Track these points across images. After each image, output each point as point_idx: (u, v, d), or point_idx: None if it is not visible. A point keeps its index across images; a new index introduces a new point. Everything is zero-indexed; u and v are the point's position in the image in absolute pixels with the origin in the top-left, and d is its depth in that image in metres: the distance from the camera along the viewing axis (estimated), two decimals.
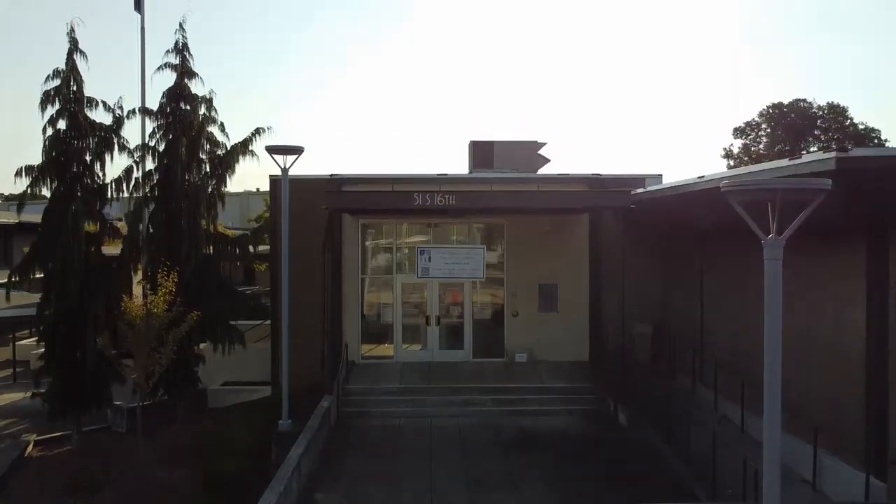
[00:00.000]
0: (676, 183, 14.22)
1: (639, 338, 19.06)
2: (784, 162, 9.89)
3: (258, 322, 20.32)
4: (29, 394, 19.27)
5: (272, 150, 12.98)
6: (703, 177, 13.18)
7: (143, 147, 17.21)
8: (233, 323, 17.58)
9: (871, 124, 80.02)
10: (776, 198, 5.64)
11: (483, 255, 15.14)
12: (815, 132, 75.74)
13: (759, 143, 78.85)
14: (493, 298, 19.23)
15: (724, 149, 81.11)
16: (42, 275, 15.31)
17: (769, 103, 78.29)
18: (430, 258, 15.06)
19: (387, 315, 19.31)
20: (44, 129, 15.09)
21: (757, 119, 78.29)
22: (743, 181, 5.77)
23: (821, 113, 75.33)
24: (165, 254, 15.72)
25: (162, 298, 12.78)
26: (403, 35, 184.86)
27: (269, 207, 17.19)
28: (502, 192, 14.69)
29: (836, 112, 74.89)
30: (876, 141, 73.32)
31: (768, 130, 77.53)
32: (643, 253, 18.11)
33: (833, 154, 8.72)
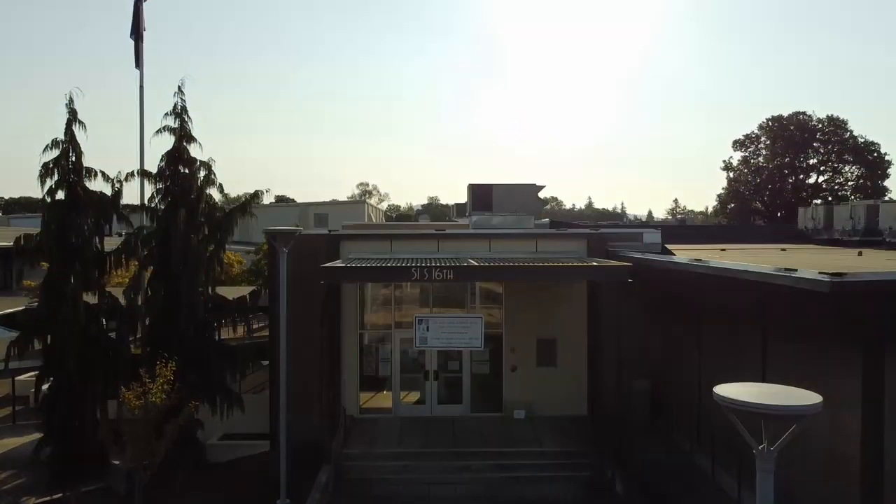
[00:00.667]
0: (676, 260, 14.27)
1: (637, 393, 19.10)
2: (782, 271, 9.91)
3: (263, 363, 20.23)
4: (28, 439, 19.28)
5: (271, 235, 13.02)
6: (700, 259, 13.22)
7: (142, 207, 17.23)
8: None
9: (870, 137, 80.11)
10: (769, 418, 5.66)
11: (481, 324, 15.15)
12: (815, 144, 75.80)
13: (759, 155, 78.92)
14: (492, 352, 19.25)
15: (724, 161, 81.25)
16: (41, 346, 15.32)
17: (769, 116, 78.41)
18: (428, 328, 15.09)
19: (385, 369, 19.34)
20: (43, 200, 15.12)
21: (756, 132, 78.40)
22: (737, 402, 5.72)
23: (820, 126, 75.39)
24: (164, 321, 15.75)
25: (160, 387, 12.79)
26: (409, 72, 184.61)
27: (269, 272, 17.11)
28: (500, 267, 14.68)
29: (836, 125, 74.93)
30: (875, 155, 73.41)
31: (768, 143, 77.59)
32: (642, 309, 18.13)
33: (827, 278, 8.74)
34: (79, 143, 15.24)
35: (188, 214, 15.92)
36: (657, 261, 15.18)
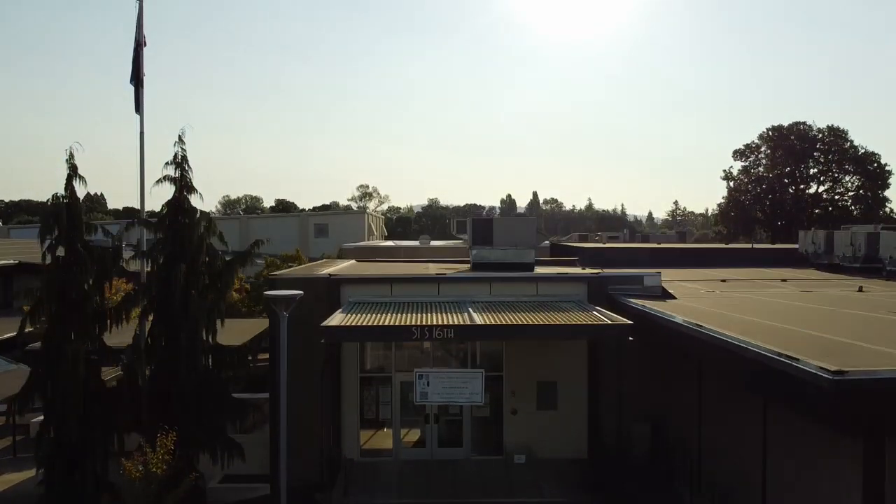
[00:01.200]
0: (676, 321, 14.26)
1: (637, 436, 19.12)
2: (783, 357, 9.90)
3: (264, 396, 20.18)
4: (29, 474, 19.25)
5: (271, 299, 13.02)
6: (700, 325, 13.21)
7: (143, 254, 17.23)
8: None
9: (870, 148, 79.97)
10: None
11: (482, 379, 15.15)
12: (815, 154, 75.81)
13: (759, 165, 78.93)
14: (492, 395, 19.25)
15: (725, 171, 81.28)
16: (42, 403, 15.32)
17: (769, 123, 78.47)
18: (428, 382, 15.10)
19: (385, 412, 19.36)
20: (43, 256, 15.12)
21: (757, 141, 78.41)
22: None
23: (821, 136, 75.38)
24: (164, 371, 15.76)
25: (160, 457, 12.80)
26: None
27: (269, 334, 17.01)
28: (501, 326, 14.70)
29: (836, 134, 74.92)
30: (875, 165, 73.40)
31: (768, 152, 77.59)
32: (643, 353, 18.14)
33: (829, 375, 8.73)
34: (78, 199, 15.24)
35: (188, 268, 15.90)
36: (657, 317, 15.18)
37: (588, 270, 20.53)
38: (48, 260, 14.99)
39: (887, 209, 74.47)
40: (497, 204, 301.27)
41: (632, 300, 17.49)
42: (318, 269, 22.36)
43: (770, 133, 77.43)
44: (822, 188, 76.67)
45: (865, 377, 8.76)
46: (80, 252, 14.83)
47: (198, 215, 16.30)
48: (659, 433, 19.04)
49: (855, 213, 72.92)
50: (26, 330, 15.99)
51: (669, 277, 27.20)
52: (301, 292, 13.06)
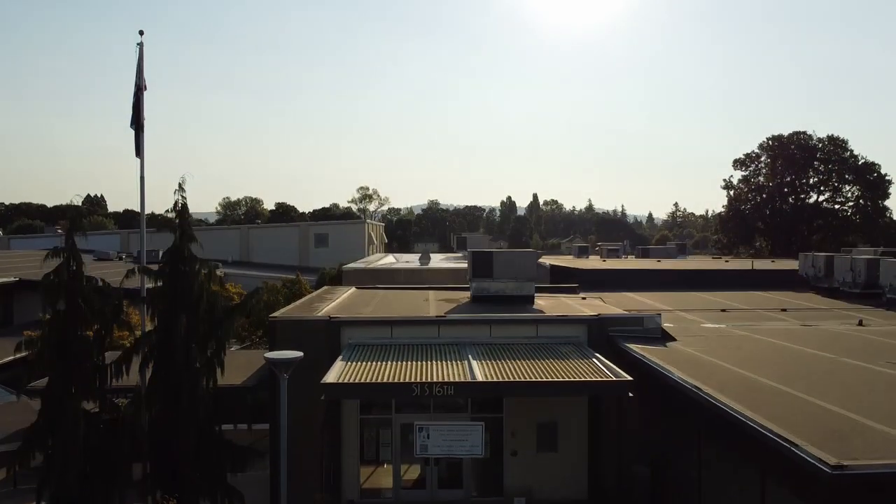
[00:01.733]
0: (675, 378, 14.27)
1: (638, 479, 19.12)
2: (783, 440, 9.90)
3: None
4: None
5: (272, 362, 13.04)
6: (699, 389, 13.22)
7: (143, 301, 17.26)
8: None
9: (871, 157, 80.00)
10: None
11: (482, 431, 15.17)
12: (816, 164, 75.79)
13: (759, 174, 78.93)
14: (493, 437, 19.27)
15: (725, 180, 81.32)
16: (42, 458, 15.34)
17: (769, 131, 78.46)
18: (428, 435, 15.11)
19: (386, 453, 19.38)
20: (44, 309, 15.14)
21: (757, 151, 78.43)
22: None
23: (821, 145, 75.36)
24: (165, 423, 15.79)
25: None
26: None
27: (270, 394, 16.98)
28: (501, 383, 14.73)
29: (837, 144, 74.91)
30: (875, 175, 73.37)
31: (768, 162, 77.58)
32: (644, 396, 18.14)
33: (828, 469, 8.74)
34: (79, 252, 15.26)
35: (189, 317, 15.92)
36: (657, 371, 15.19)
37: (587, 311, 20.57)
38: (48, 314, 15.00)
39: (887, 218, 74.46)
40: (497, 206, 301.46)
41: (631, 346, 17.51)
42: (319, 303, 22.39)
43: (770, 142, 77.45)
44: (822, 197, 76.65)
45: (867, 472, 8.76)
46: (80, 307, 14.84)
47: (197, 265, 16.29)
48: (660, 476, 19.04)
49: (856, 220, 72.88)
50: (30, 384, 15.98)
51: (669, 304, 27.29)
52: (301, 354, 13.09)
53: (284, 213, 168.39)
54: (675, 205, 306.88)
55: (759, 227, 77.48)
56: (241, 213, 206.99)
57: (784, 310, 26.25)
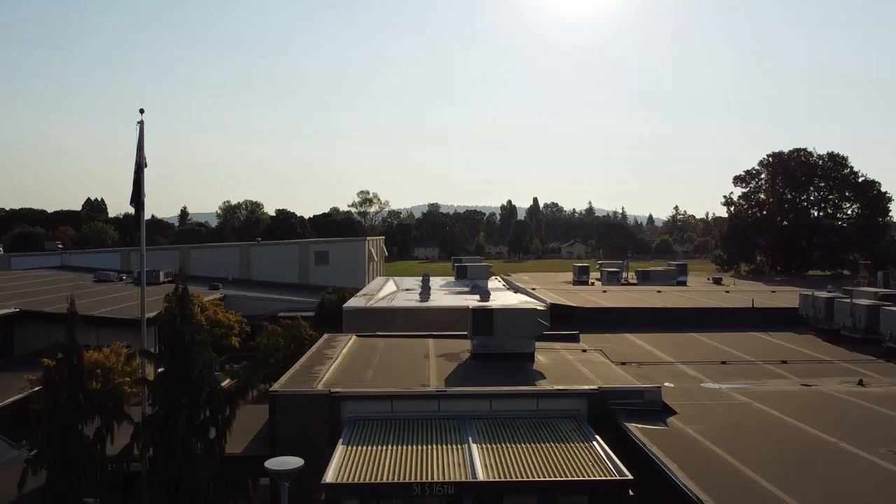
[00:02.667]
0: (680, 481, 14.28)
1: None
2: None
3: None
4: None
5: (273, 473, 13.07)
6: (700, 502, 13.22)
7: (143, 382, 17.30)
8: None
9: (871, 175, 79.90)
10: None
11: None
12: (816, 181, 75.81)
13: (760, 191, 78.95)
14: None
15: (725, 196, 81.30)
16: None
17: (769, 152, 78.26)
18: None
19: None
20: (45, 403, 15.17)
21: (757, 168, 78.45)
22: None
23: (821, 162, 75.37)
24: None
25: None
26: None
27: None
28: (502, 484, 14.74)
29: (836, 161, 74.91)
30: (875, 193, 73.40)
31: (769, 179, 77.60)
32: (644, 484, 18.20)
33: None
34: (80, 345, 15.27)
35: (189, 404, 15.94)
36: (657, 464, 15.21)
37: (588, 377, 20.67)
38: (50, 407, 15.03)
39: (888, 237, 74.50)
40: (497, 207, 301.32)
41: (632, 427, 17.53)
42: (319, 365, 22.42)
43: (770, 159, 77.47)
44: (822, 214, 76.67)
45: None
46: (81, 402, 14.86)
47: (196, 350, 16.31)
48: None
49: (855, 237, 72.89)
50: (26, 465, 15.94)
51: (670, 351, 27.40)
52: (302, 462, 13.14)
53: (284, 220, 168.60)
54: (676, 208, 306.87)
55: (759, 243, 77.51)
56: (241, 217, 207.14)
57: (784, 361, 26.29)
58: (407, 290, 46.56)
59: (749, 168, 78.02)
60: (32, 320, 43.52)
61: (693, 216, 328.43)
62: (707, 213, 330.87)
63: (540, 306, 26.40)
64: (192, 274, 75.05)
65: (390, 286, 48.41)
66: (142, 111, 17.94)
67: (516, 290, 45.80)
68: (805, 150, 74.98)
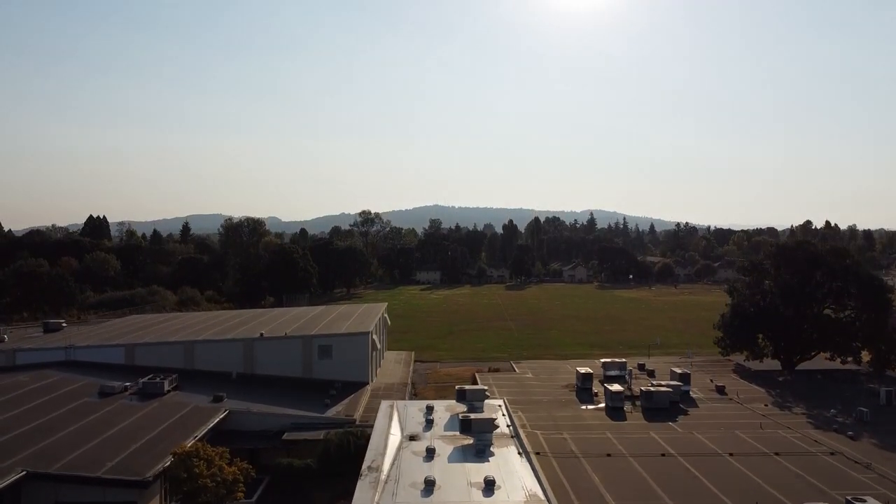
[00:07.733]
0: None
1: None
2: None
3: None
4: None
5: None
6: None
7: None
8: None
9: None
10: None
11: None
12: (819, 275, 75.74)
13: (764, 282, 78.88)
14: None
15: (728, 283, 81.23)
16: None
17: (776, 245, 78.28)
18: None
19: None
20: None
21: (763, 259, 78.41)
22: None
23: (826, 256, 75.33)
24: None
25: None
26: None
27: None
28: None
29: (839, 255, 74.93)
30: (878, 286, 73.37)
31: (773, 270, 77.56)
32: None
33: None
34: None
35: None
36: None
37: None
38: None
39: (890, 329, 74.57)
40: (500, 230, 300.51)
41: None
42: None
43: (776, 251, 77.56)
44: (826, 309, 76.76)
45: None
46: None
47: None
48: None
49: (860, 331, 73.02)
50: None
51: None
52: None
53: (286, 254, 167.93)
54: (677, 225, 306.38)
55: (762, 332, 77.59)
56: (243, 237, 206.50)
57: None
58: (411, 437, 46.36)
59: (754, 259, 77.94)
60: (40, 481, 43.21)
61: (695, 227, 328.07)
62: (709, 227, 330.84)
63: None
64: (195, 368, 74.95)
65: (394, 436, 48.25)
66: None
67: (514, 434, 45.70)
68: (810, 242, 74.97)
